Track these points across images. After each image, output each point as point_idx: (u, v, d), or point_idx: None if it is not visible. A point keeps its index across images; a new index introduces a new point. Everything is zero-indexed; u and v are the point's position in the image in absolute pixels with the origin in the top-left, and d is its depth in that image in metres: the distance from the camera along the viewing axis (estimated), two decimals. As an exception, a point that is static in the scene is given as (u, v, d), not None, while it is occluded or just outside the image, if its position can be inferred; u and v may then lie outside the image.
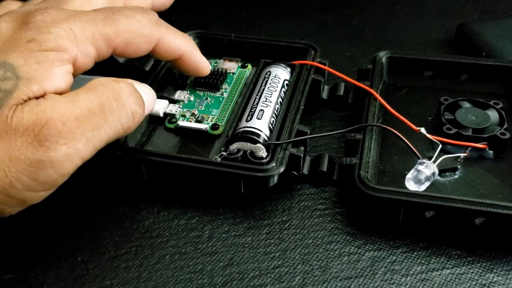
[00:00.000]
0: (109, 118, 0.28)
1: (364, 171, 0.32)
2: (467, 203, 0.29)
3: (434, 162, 0.33)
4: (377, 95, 0.36)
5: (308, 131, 0.34)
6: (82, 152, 0.27)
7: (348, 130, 0.35)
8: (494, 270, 0.29)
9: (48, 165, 0.26)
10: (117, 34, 0.30)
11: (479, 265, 0.29)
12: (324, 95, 0.40)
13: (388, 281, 0.29)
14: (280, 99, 0.36)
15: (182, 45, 0.34)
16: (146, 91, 0.32)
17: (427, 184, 0.32)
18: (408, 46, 0.47)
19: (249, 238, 0.31)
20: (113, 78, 0.29)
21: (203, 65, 0.36)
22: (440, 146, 0.34)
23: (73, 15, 0.29)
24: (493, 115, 0.36)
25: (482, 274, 0.29)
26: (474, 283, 0.29)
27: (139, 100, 0.30)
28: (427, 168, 0.32)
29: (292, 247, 0.30)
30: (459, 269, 0.29)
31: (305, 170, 0.34)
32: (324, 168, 0.34)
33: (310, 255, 0.30)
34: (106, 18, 0.30)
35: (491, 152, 0.35)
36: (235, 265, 0.30)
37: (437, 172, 0.33)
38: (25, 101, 0.26)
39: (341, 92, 0.39)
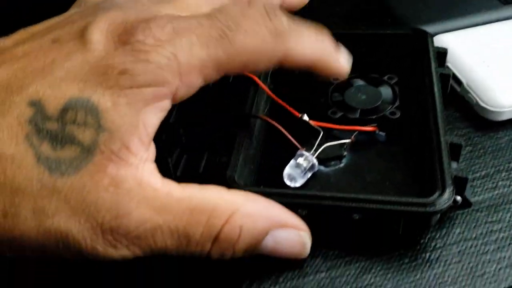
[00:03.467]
0: (190, 247, 0.24)
1: (232, 170, 0.29)
2: (338, 200, 0.26)
3: (316, 151, 0.30)
4: (258, 80, 0.33)
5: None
6: (136, 256, 0.23)
7: (216, 125, 0.32)
8: (373, 270, 0.27)
9: (101, 256, 0.23)
10: (231, 59, 0.24)
11: (357, 265, 0.27)
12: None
13: (254, 293, 0.26)
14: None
15: (315, 54, 0.27)
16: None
17: (307, 176, 0.29)
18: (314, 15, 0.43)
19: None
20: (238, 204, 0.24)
21: (337, 70, 0.28)
22: (322, 133, 0.31)
23: (180, 33, 0.24)
24: (386, 92, 0.33)
25: (358, 276, 0.26)
26: (349, 287, 0.26)
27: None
28: (305, 160, 0.30)
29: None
30: (334, 271, 0.27)
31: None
32: (200, 169, 0.31)
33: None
34: (221, 37, 0.24)
35: (383, 134, 0.32)
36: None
37: (316, 164, 0.30)
38: (105, 166, 0.22)
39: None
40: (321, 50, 0.27)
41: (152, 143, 0.24)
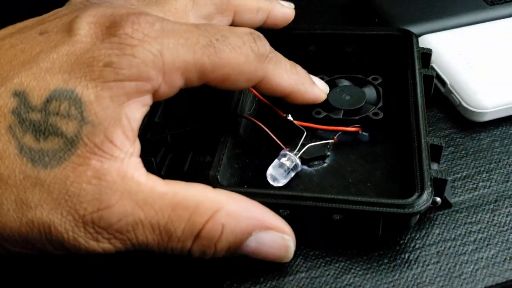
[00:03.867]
0: (171, 244, 0.24)
1: (215, 170, 0.29)
2: (319, 201, 0.27)
3: (299, 151, 0.30)
4: None
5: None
6: (118, 249, 0.24)
7: (202, 125, 0.32)
8: (352, 271, 0.27)
9: (82, 248, 0.23)
10: (215, 68, 0.25)
11: (337, 265, 0.27)
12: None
13: (235, 292, 0.27)
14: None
15: (291, 83, 0.29)
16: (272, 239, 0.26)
17: (290, 176, 0.30)
18: (304, 16, 0.43)
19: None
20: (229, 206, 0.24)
21: (313, 98, 0.31)
22: (305, 133, 0.31)
23: (168, 33, 0.24)
24: (370, 92, 0.33)
25: (338, 276, 0.27)
26: (328, 287, 0.26)
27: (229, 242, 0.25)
28: (289, 160, 0.30)
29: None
30: (314, 271, 0.27)
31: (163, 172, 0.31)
32: (185, 168, 0.31)
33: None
34: (208, 45, 0.25)
35: (366, 134, 0.32)
36: None
37: (299, 164, 0.30)
38: (88, 159, 0.22)
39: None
40: (296, 81, 0.29)
41: (137, 139, 0.24)
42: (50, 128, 0.23)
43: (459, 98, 0.34)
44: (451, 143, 0.33)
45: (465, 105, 0.33)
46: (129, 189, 0.23)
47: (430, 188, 0.26)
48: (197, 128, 0.33)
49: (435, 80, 0.35)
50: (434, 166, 0.29)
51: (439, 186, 0.27)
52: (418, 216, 0.27)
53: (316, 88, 0.31)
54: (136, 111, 0.24)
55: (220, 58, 0.25)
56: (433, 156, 0.29)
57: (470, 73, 0.34)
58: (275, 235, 0.25)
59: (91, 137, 0.23)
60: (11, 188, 0.22)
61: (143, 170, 0.24)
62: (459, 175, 0.31)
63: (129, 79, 0.23)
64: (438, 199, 0.28)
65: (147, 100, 0.24)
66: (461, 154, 0.32)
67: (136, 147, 0.24)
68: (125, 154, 0.23)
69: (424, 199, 0.26)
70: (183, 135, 0.33)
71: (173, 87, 0.25)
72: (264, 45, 0.27)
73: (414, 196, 0.26)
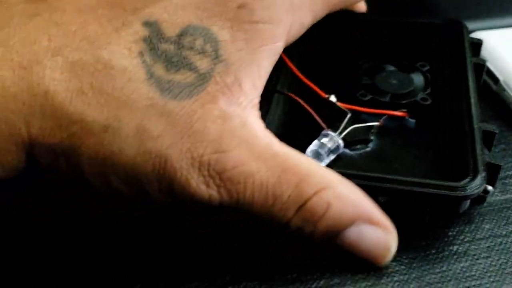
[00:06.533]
0: (274, 209, 0.22)
1: None
2: (363, 179, 0.25)
3: (341, 133, 0.29)
4: (286, 58, 0.31)
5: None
6: (222, 202, 0.22)
7: None
8: (398, 258, 0.25)
9: (191, 191, 0.22)
10: None
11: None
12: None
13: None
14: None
15: None
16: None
17: (331, 158, 0.28)
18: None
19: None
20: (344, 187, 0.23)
21: None
22: (349, 115, 0.29)
23: None
24: (417, 78, 0.32)
25: (382, 263, 0.25)
26: (372, 272, 0.25)
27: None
28: (330, 141, 0.28)
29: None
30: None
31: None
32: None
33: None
34: None
35: (413, 121, 0.30)
36: None
37: (341, 145, 0.28)
38: (217, 98, 0.22)
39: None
40: None
41: (262, 89, 0.24)
42: (183, 61, 0.22)
43: (513, 96, 0.33)
44: (502, 141, 0.32)
45: (518, 102, 0.32)
46: (247, 138, 0.22)
47: (484, 173, 0.25)
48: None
49: (486, 77, 0.34)
50: (486, 152, 0.27)
51: (492, 171, 0.26)
52: (468, 201, 0.25)
53: None
54: (266, 59, 0.23)
55: None
56: (486, 143, 0.27)
57: (525, 72, 0.33)
58: (378, 232, 0.23)
59: (223, 76, 0.22)
60: (134, 113, 0.21)
61: (262, 123, 0.23)
62: (510, 173, 0.30)
63: (263, 21, 0.23)
64: (490, 187, 0.26)
65: (279, 49, 0.24)
66: (513, 152, 0.31)
67: (259, 98, 0.23)
68: (248, 102, 0.23)
69: (477, 183, 0.24)
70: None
71: (302, 26, 0.25)
72: None
73: (467, 179, 0.24)
